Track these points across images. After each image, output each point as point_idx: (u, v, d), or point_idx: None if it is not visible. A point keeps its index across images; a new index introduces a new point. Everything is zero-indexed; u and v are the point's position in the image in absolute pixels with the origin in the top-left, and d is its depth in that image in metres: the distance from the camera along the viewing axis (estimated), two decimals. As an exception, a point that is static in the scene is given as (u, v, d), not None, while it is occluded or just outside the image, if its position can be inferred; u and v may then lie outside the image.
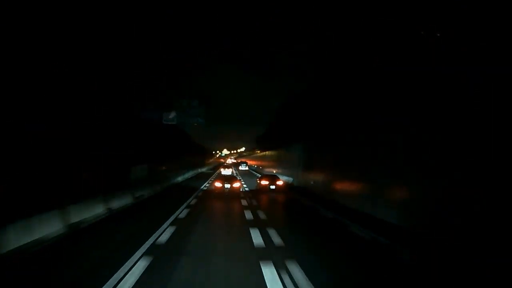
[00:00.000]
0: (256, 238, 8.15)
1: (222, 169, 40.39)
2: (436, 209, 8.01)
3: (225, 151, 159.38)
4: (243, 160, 71.82)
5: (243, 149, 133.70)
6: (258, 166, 53.04)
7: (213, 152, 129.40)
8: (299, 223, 11.12)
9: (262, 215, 11.58)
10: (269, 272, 5.60)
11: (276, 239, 8.07)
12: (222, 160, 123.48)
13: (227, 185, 16.44)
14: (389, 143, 10.75)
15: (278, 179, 20.32)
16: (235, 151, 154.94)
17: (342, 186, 15.24)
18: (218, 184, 16.77)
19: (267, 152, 45.97)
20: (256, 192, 19.19)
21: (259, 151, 58.82)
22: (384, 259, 6.84)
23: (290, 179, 24.86)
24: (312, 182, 19.96)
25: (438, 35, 8.94)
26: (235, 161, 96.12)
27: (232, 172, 39.65)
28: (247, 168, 50.78)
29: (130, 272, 5.53)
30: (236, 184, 16.84)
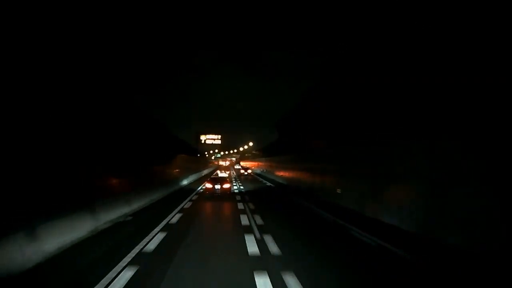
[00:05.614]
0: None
1: (218, 172, 45.41)
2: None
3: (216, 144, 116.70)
4: (238, 161, 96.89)
5: (250, 144, 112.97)
6: (247, 166, 78.91)
7: (207, 154, 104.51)
8: (254, 186, 25.51)
9: (241, 186, 25.10)
10: (238, 197, 18.66)
11: (242, 187, 21.58)
12: (216, 163, 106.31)
13: (217, 186, 18.48)
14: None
15: (249, 169, 39.43)
16: (235, 151, 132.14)
17: (280, 173, 30.00)
18: (209, 185, 18.76)
19: (262, 158, 66.93)
20: (239, 176, 37.12)
21: (255, 152, 76.87)
22: (295, 204, 20.26)
23: (259, 171, 45.03)
24: (265, 170, 40.26)
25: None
26: (228, 163, 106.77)
27: (230, 175, 43.25)
28: (240, 167, 76.80)
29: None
30: (226, 185, 18.85)
